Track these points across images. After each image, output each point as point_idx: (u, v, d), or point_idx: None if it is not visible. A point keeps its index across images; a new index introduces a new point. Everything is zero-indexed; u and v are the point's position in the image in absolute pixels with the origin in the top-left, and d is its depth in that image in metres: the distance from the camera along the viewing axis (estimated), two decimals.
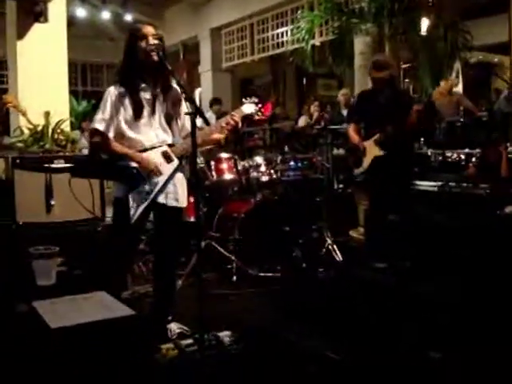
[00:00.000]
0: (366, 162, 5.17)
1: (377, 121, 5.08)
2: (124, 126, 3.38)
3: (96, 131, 3.38)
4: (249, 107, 3.56)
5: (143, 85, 3.41)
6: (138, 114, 3.37)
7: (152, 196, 3.37)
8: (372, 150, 5.12)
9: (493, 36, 11.53)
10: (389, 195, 5.11)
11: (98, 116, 3.39)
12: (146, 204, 3.35)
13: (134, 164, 3.36)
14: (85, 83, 15.79)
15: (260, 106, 3.59)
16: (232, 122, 3.46)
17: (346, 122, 5.58)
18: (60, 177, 4.73)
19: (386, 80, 5.14)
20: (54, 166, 4.74)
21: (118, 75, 3.50)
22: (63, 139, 5.39)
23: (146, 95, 3.41)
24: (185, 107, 3.45)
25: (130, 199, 3.32)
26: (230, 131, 3.55)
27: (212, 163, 5.43)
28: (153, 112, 3.42)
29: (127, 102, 3.37)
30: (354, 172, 5.36)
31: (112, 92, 3.40)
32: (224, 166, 5.45)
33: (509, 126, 8.27)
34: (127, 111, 3.37)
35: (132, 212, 3.31)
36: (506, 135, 8.26)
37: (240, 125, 3.54)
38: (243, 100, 3.62)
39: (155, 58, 3.30)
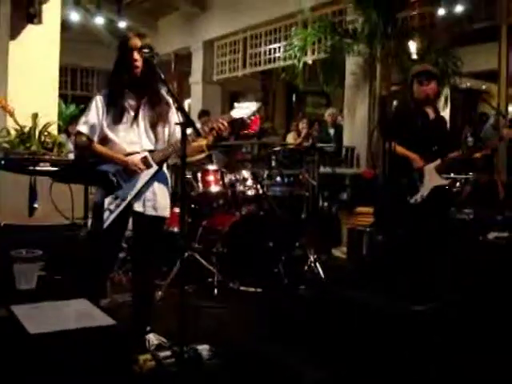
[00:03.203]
0: (426, 189, 4.59)
1: (427, 142, 4.63)
2: (107, 130, 3.39)
3: (79, 133, 3.40)
4: (239, 112, 3.45)
5: (128, 91, 3.41)
6: (118, 118, 3.38)
7: (126, 202, 3.34)
8: (433, 178, 4.60)
9: (482, 63, 11.68)
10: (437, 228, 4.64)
11: (82, 119, 3.42)
12: (119, 209, 3.32)
13: (112, 169, 3.35)
14: (74, 87, 15.73)
15: (254, 109, 3.43)
16: (217, 127, 3.37)
17: (384, 137, 4.86)
18: (45, 180, 4.68)
19: (434, 94, 4.70)
20: (39, 168, 4.69)
21: (108, 81, 3.52)
22: (50, 142, 5.33)
23: (130, 101, 3.42)
24: (175, 117, 3.44)
25: (105, 204, 3.30)
26: (215, 137, 3.50)
27: (199, 175, 5.41)
28: (136, 118, 3.41)
29: (111, 106, 3.39)
30: (408, 199, 4.62)
31: (98, 97, 3.42)
32: (211, 178, 5.44)
33: (494, 152, 8.36)
34: (110, 115, 3.38)
35: (105, 217, 3.29)
36: (491, 161, 8.34)
37: (226, 129, 3.47)
38: (235, 104, 3.52)
39: (139, 72, 3.33)
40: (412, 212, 4.61)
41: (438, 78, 4.80)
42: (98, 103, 3.39)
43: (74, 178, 4.39)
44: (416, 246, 4.56)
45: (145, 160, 3.39)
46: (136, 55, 3.32)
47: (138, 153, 3.40)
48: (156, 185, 3.46)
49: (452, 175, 6.81)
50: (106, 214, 3.30)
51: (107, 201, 3.31)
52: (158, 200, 3.48)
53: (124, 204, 3.34)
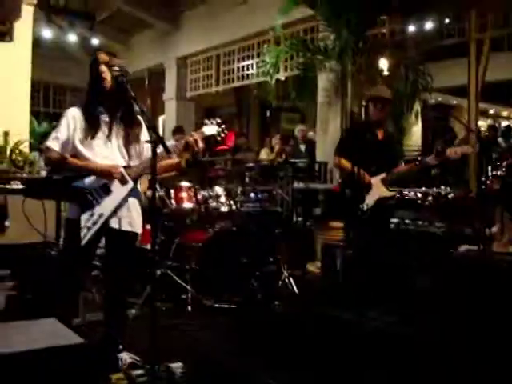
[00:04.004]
0: (371, 199, 4.88)
1: (374, 159, 4.91)
2: (80, 147, 3.36)
3: (48, 149, 3.37)
4: (210, 129, 3.53)
5: (101, 108, 3.41)
6: (91, 134, 3.36)
7: (104, 219, 3.32)
8: (378, 189, 4.89)
9: (452, 79, 11.88)
10: (382, 236, 4.96)
11: (53, 135, 3.39)
12: (98, 226, 3.30)
13: (87, 186, 3.33)
14: (47, 104, 15.64)
15: (223, 126, 3.56)
16: (191, 141, 3.43)
17: (336, 153, 5.16)
18: (16, 198, 4.64)
19: (385, 117, 5.12)
20: (9, 186, 4.65)
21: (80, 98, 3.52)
22: (21, 160, 5.31)
23: (104, 118, 3.41)
24: (146, 134, 3.46)
25: (82, 221, 3.27)
26: (190, 153, 3.52)
27: (172, 191, 5.39)
28: (109, 135, 3.41)
29: (83, 122, 3.37)
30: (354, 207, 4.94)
31: (69, 113, 3.39)
32: (184, 194, 5.42)
33: (465, 167, 8.49)
34: (83, 131, 3.36)
35: (83, 234, 3.26)
36: (462, 176, 8.46)
37: (200, 145, 3.50)
38: (205, 121, 3.58)
39: (107, 85, 3.35)
40: (360, 222, 4.91)
41: (391, 103, 5.23)
42: (69, 119, 3.37)
43: (48, 193, 4.36)
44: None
45: (121, 176, 3.39)
46: (103, 68, 3.34)
47: None
48: (130, 201, 3.46)
49: (424, 189, 6.93)
50: (84, 231, 3.27)
51: (84, 218, 3.28)
52: (133, 216, 3.48)
53: (101, 221, 3.32)
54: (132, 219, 3.46)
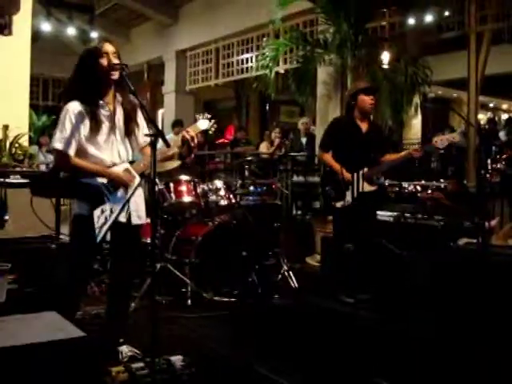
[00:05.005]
0: (351, 195, 4.85)
1: (360, 153, 4.90)
2: (84, 143, 3.30)
3: (55, 151, 3.31)
4: (203, 123, 3.53)
5: (101, 102, 3.36)
6: (96, 129, 3.29)
7: (116, 214, 3.30)
8: (360, 184, 4.85)
9: (452, 72, 11.89)
10: (367, 229, 4.95)
11: (57, 135, 3.27)
12: (110, 222, 3.26)
13: (99, 180, 3.31)
14: (46, 98, 15.63)
15: (213, 121, 3.60)
16: (187, 137, 3.41)
17: (320, 148, 5.23)
18: (16, 192, 4.64)
19: (372, 108, 5.07)
20: (9, 180, 4.64)
21: (72, 91, 3.38)
22: (21, 154, 5.30)
23: (105, 112, 3.36)
24: (144, 126, 3.44)
25: (95, 218, 3.24)
26: (186, 147, 3.52)
27: (171, 185, 5.40)
28: (113, 128, 3.37)
29: (86, 118, 3.28)
30: (334, 204, 5.01)
31: (71, 109, 3.28)
32: (183, 188, 5.42)
33: (464, 160, 8.51)
34: (86, 127, 3.28)
35: (97, 231, 3.24)
36: (462, 169, 8.48)
37: (196, 140, 3.50)
38: (196, 116, 3.61)
39: (115, 76, 3.28)
40: (342, 215, 5.02)
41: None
42: (70, 114, 3.27)
43: (55, 191, 4.35)
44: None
45: (127, 171, 3.38)
46: (114, 59, 3.27)
47: (115, 164, 3.37)
48: (137, 193, 3.45)
49: (423, 182, 6.93)
50: (97, 228, 3.25)
51: (96, 214, 3.26)
52: (141, 208, 3.49)
53: (114, 216, 3.28)
54: (140, 211, 3.48)
